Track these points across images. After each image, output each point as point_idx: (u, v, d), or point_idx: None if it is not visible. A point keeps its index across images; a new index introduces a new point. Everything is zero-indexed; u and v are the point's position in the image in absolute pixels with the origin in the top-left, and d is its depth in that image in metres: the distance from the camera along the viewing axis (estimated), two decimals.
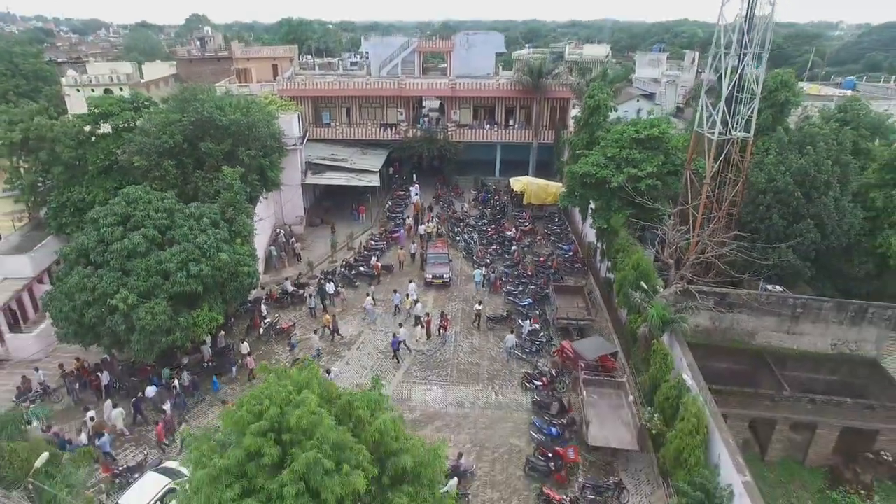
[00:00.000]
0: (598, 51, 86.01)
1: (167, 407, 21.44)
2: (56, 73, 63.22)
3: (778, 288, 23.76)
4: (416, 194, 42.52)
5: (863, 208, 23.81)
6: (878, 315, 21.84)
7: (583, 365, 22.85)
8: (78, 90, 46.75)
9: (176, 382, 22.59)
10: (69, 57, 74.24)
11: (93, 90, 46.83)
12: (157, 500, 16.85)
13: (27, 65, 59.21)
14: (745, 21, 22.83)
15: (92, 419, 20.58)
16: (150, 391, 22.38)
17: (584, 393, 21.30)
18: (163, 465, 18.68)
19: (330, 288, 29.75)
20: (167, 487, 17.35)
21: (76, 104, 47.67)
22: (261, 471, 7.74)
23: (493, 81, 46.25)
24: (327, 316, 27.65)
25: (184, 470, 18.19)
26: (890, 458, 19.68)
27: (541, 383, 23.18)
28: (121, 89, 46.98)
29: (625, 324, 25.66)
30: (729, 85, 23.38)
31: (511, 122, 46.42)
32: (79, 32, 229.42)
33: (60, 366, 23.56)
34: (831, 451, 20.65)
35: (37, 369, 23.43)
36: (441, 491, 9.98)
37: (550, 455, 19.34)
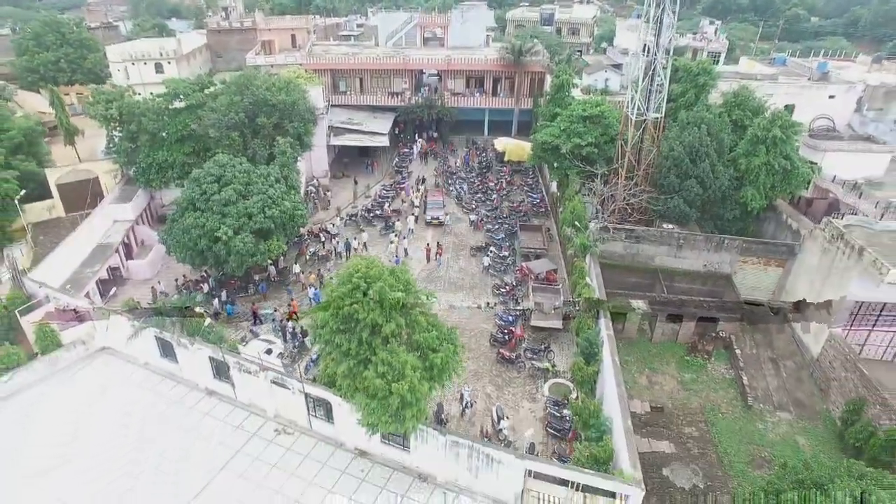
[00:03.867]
0: (586, 12, 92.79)
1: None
2: (98, 39, 71.05)
3: (670, 226, 33.92)
4: (419, 152, 52.14)
5: (735, 170, 33.57)
6: (730, 244, 32.22)
7: (533, 277, 33.39)
8: (133, 63, 55.19)
9: (215, 301, 32.33)
10: (101, 23, 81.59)
11: (145, 63, 55.46)
12: (263, 355, 27.56)
13: (72, 35, 66.95)
14: (655, 34, 32.04)
15: None
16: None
17: (532, 295, 31.87)
18: (261, 337, 29.52)
19: (355, 243, 38.59)
20: (266, 348, 28.20)
21: (122, 76, 55.81)
22: (358, 293, 18.21)
23: (482, 56, 54.69)
24: (312, 276, 34.59)
25: (275, 339, 29.18)
26: (724, 335, 30.47)
27: (506, 290, 33.76)
28: (168, 62, 55.59)
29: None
30: (643, 79, 32.86)
31: (498, 91, 55.26)
32: None
33: (176, 279, 34.18)
34: (692, 333, 31.40)
35: (159, 282, 34.07)
36: None
37: (506, 332, 30.09)
